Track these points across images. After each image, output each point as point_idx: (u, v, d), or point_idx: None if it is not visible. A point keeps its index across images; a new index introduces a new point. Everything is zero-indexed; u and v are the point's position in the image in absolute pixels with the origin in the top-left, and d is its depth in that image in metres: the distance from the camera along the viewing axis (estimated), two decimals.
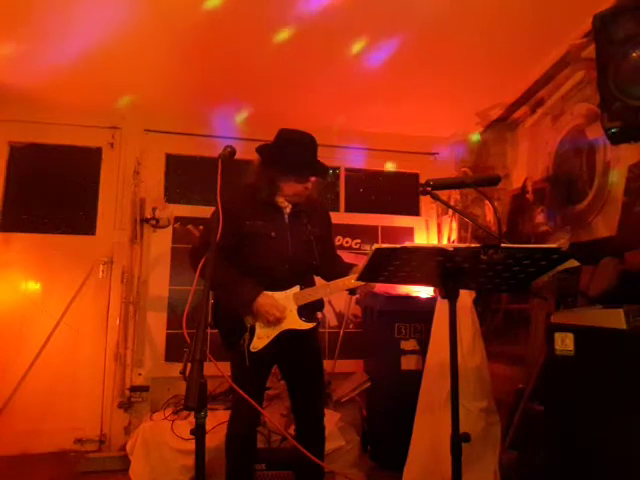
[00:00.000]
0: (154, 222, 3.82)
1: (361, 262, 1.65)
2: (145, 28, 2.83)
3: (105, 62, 3.17)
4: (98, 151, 3.96)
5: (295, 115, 3.30)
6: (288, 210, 2.26)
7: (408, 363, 3.38)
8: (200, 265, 1.68)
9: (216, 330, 2.25)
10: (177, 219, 3.94)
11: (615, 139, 2.06)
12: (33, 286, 3.73)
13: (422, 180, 1.74)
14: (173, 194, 4.09)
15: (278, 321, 2.13)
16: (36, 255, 3.72)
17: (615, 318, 1.78)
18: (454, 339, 1.60)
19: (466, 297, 2.84)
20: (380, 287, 3.40)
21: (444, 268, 1.55)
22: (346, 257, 2.52)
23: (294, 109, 3.68)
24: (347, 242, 4.21)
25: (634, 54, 1.91)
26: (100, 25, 2.79)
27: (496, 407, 2.79)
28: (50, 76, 3.36)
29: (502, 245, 1.43)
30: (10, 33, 2.89)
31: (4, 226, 3.77)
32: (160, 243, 3.89)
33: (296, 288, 2.20)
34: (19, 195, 3.88)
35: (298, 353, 2.26)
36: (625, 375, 1.73)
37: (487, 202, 3.59)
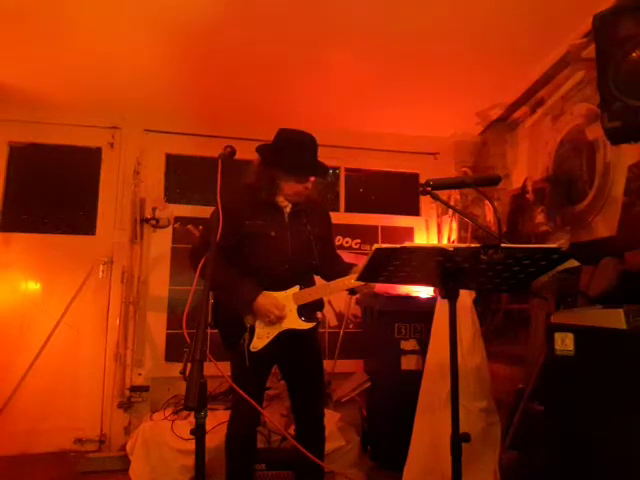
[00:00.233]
0: (154, 222, 3.82)
1: (361, 262, 1.65)
2: (145, 28, 2.83)
3: (105, 62, 3.17)
4: (98, 151, 3.96)
5: (295, 115, 3.30)
6: (288, 210, 2.26)
7: (408, 363, 3.38)
8: (200, 265, 1.68)
9: (216, 330, 2.25)
10: (177, 219, 3.94)
11: (615, 139, 2.06)
12: (33, 286, 3.73)
13: (422, 180, 1.73)
14: (173, 194, 4.09)
15: (278, 320, 2.13)
16: (36, 255, 3.72)
17: (615, 318, 1.78)
18: (454, 339, 1.60)
19: (466, 297, 2.84)
20: (380, 287, 3.40)
21: (444, 268, 1.55)
22: (346, 257, 2.52)
23: (294, 109, 3.68)
24: (347, 242, 4.21)
25: (634, 54, 1.91)
26: (100, 25, 2.79)
27: (496, 407, 2.79)
28: (50, 76, 3.37)
29: (502, 245, 1.43)
30: (10, 33, 2.89)
31: (4, 226, 3.77)
32: (160, 243, 3.89)
33: (296, 288, 2.20)
34: (19, 195, 3.88)
35: (298, 353, 2.26)
36: (625, 375, 1.73)
37: (487, 202, 3.59)
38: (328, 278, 2.32)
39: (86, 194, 3.93)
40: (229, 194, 1.90)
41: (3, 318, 3.60)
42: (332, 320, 4.08)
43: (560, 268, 1.55)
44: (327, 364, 3.01)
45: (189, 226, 3.93)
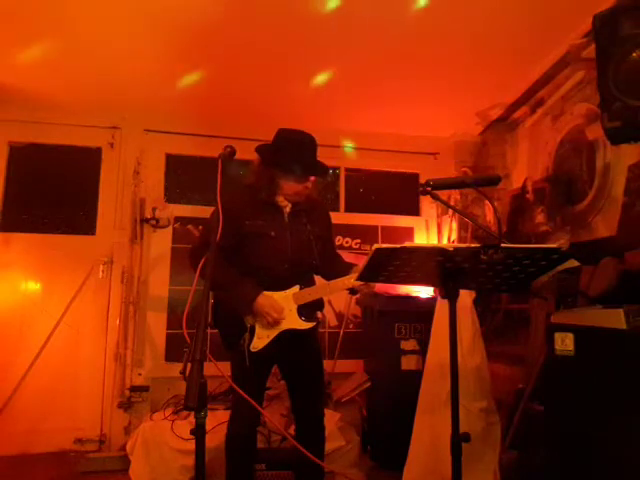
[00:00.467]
0: (154, 222, 3.82)
1: (361, 262, 1.65)
2: (145, 28, 2.83)
3: (105, 62, 3.17)
4: (98, 151, 3.96)
5: (295, 115, 3.30)
6: (288, 210, 2.26)
7: (408, 363, 3.38)
8: (200, 265, 1.68)
9: (216, 330, 2.25)
10: (177, 219, 3.94)
11: (615, 139, 2.06)
12: (33, 286, 3.73)
13: (422, 180, 1.74)
14: (173, 194, 4.09)
15: (276, 322, 2.13)
16: (36, 255, 3.72)
17: (615, 318, 1.78)
18: (454, 339, 1.60)
19: (466, 297, 2.84)
20: (380, 287, 3.40)
21: (444, 268, 1.55)
22: (346, 257, 2.52)
23: (294, 109, 3.68)
24: (347, 242, 4.21)
25: (634, 54, 1.91)
26: (100, 25, 2.79)
27: (496, 407, 2.79)
28: (50, 76, 3.37)
29: (502, 245, 1.43)
30: (10, 33, 2.89)
31: (4, 226, 3.77)
32: (160, 243, 3.89)
33: (296, 288, 2.20)
34: (19, 195, 3.88)
35: (298, 353, 2.26)
36: (625, 375, 1.73)
37: (487, 202, 3.59)
38: (328, 278, 2.32)
39: (86, 194, 3.93)
40: (229, 194, 1.90)
41: (3, 318, 3.60)
42: (332, 320, 4.08)
43: (560, 268, 1.55)
44: (327, 364, 3.01)
45: (189, 226, 3.93)
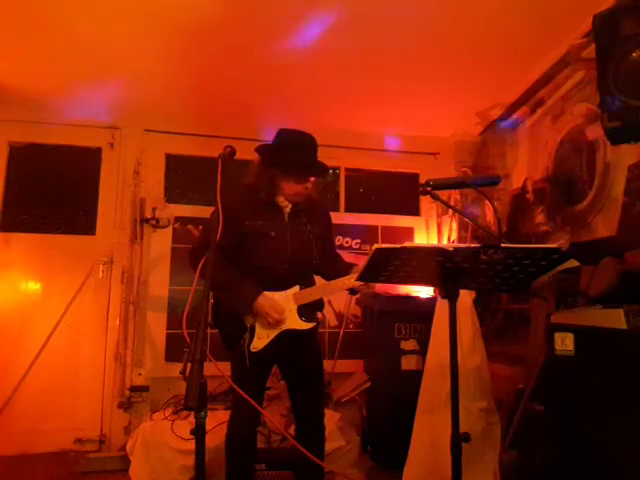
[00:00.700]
0: (154, 222, 3.82)
1: (361, 262, 1.65)
2: (145, 28, 2.83)
3: (105, 62, 3.17)
4: (98, 151, 3.96)
5: (295, 115, 3.30)
6: (288, 210, 2.26)
7: (408, 363, 3.38)
8: (200, 265, 1.67)
9: (216, 330, 2.25)
10: (177, 219, 3.95)
11: (615, 139, 2.06)
12: (33, 286, 3.73)
13: (422, 180, 1.74)
14: (173, 194, 4.09)
15: (277, 323, 2.13)
16: (36, 255, 3.72)
17: (615, 318, 1.78)
18: (454, 339, 1.60)
19: (466, 297, 2.84)
20: (380, 287, 3.40)
21: (444, 268, 1.55)
22: (346, 257, 2.52)
23: (294, 109, 3.68)
24: (347, 242, 4.21)
25: (634, 54, 1.91)
26: (100, 25, 2.79)
27: (496, 407, 2.79)
28: (50, 76, 3.37)
29: (502, 245, 1.43)
30: (10, 33, 2.89)
31: (4, 226, 3.77)
32: (160, 243, 3.89)
33: (296, 288, 2.20)
34: (19, 195, 3.88)
35: (298, 353, 2.26)
36: (625, 375, 1.73)
37: (487, 202, 3.59)
38: (328, 278, 2.32)
39: (86, 194, 3.93)
40: (229, 194, 1.90)
41: (3, 318, 3.60)
42: (332, 320, 4.08)
43: (560, 268, 1.55)
44: (327, 364, 3.00)
45: (189, 226, 3.93)
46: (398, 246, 1.43)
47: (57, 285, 3.73)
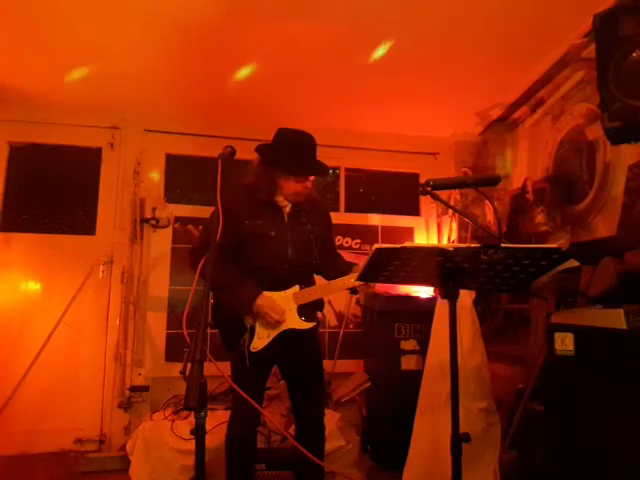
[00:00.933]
0: (154, 222, 3.82)
1: (361, 262, 1.65)
2: (145, 28, 2.83)
3: (105, 62, 3.17)
4: (98, 151, 3.96)
5: (295, 115, 3.30)
6: (288, 209, 2.26)
7: (408, 363, 3.38)
8: (200, 265, 1.67)
9: (216, 330, 2.25)
10: (177, 219, 3.94)
11: (615, 139, 2.06)
12: (33, 286, 3.73)
13: (422, 180, 1.74)
14: (173, 194, 4.09)
15: (277, 324, 2.13)
16: (36, 255, 3.72)
17: (615, 318, 1.78)
18: (454, 339, 1.60)
19: (466, 297, 2.84)
20: (380, 287, 3.41)
21: (444, 268, 1.55)
22: (346, 257, 2.52)
23: (294, 109, 3.68)
24: (347, 242, 4.21)
25: (634, 54, 1.91)
26: (100, 25, 2.79)
27: (496, 407, 2.79)
28: (50, 76, 3.37)
29: (502, 245, 1.43)
30: (10, 33, 2.89)
31: (4, 226, 3.77)
32: (160, 243, 3.89)
33: (296, 288, 2.20)
34: (19, 195, 3.88)
35: (298, 353, 2.26)
36: (625, 375, 1.73)
37: (487, 202, 3.59)
38: (329, 277, 2.32)
39: (86, 194, 3.93)
40: (229, 194, 1.90)
41: (3, 318, 3.60)
42: (332, 320, 4.08)
43: (560, 268, 1.55)
44: (327, 364, 3.00)
45: (189, 226, 3.93)
46: (398, 246, 1.43)
47: (57, 285, 3.73)
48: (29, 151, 3.90)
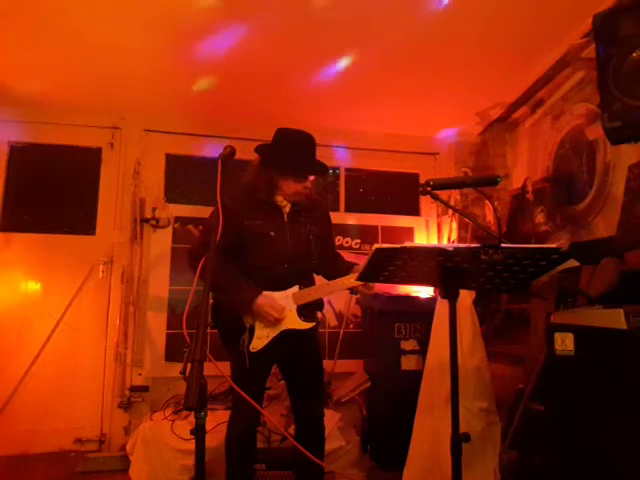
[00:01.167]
0: (154, 222, 3.82)
1: (361, 262, 1.65)
2: (145, 28, 2.82)
3: (105, 62, 3.17)
4: (98, 151, 3.96)
5: (295, 115, 3.30)
6: (287, 209, 2.26)
7: (408, 363, 3.38)
8: (200, 266, 1.67)
9: (216, 330, 2.25)
10: (177, 219, 3.94)
11: (615, 139, 2.06)
12: (33, 286, 3.73)
13: (422, 180, 1.74)
14: (173, 194, 4.09)
15: (277, 322, 2.13)
16: (36, 255, 3.72)
17: (615, 318, 1.78)
18: (454, 339, 1.60)
19: (466, 297, 2.84)
20: (380, 287, 3.40)
21: (444, 268, 1.55)
22: (346, 257, 2.52)
23: (294, 109, 3.68)
24: (347, 242, 4.21)
25: (634, 54, 1.91)
26: (100, 25, 2.79)
27: (496, 407, 2.79)
28: (50, 76, 3.37)
29: (502, 245, 1.43)
30: (10, 33, 2.89)
31: (4, 226, 3.77)
32: (160, 243, 3.89)
33: (295, 288, 2.20)
34: (19, 195, 3.87)
35: (298, 353, 2.26)
36: (625, 375, 1.73)
37: (487, 202, 3.59)
38: (329, 278, 2.32)
39: (86, 194, 3.93)
40: (229, 194, 1.90)
41: (3, 318, 3.60)
42: (332, 320, 4.08)
43: (560, 268, 1.55)
44: (327, 364, 3.01)
45: (189, 226, 3.93)
46: (398, 246, 1.43)
47: (57, 285, 3.73)
48: (29, 151, 3.90)
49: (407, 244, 1.48)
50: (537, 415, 2.42)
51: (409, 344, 3.40)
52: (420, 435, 2.76)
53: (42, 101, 3.67)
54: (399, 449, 2.80)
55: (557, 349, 2.00)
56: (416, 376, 2.96)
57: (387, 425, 3.24)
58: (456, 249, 1.46)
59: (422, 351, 3.22)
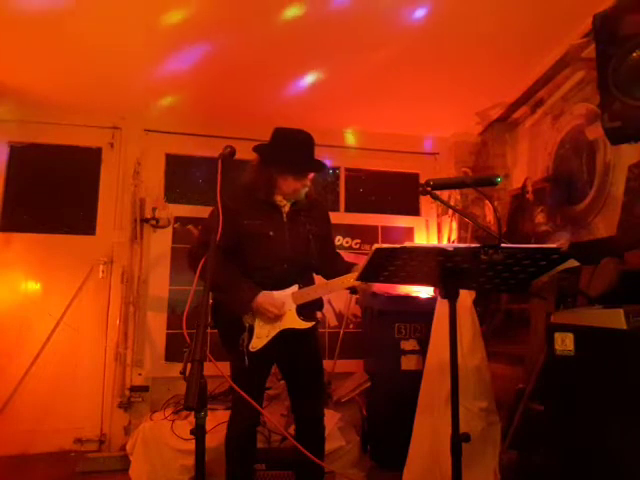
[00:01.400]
0: (154, 222, 3.82)
1: (361, 262, 1.65)
2: (145, 28, 2.83)
3: (105, 62, 3.17)
4: (98, 151, 3.96)
5: (295, 115, 3.30)
6: (286, 209, 2.26)
7: (408, 363, 3.38)
8: (200, 266, 1.67)
9: (216, 330, 2.25)
10: (177, 219, 3.95)
11: (615, 139, 2.06)
12: (33, 286, 3.73)
13: (422, 180, 1.74)
14: (173, 194, 4.09)
15: (277, 318, 2.13)
16: (36, 255, 3.72)
17: (615, 318, 1.78)
18: (454, 339, 1.60)
19: (466, 297, 2.84)
20: (380, 287, 3.40)
21: (444, 268, 1.55)
22: (346, 257, 2.52)
23: (294, 109, 3.68)
24: (347, 242, 4.21)
25: (634, 54, 1.91)
26: (100, 25, 2.79)
27: (496, 407, 2.79)
28: (50, 76, 3.37)
29: (502, 245, 1.43)
30: (10, 33, 2.89)
31: (4, 226, 3.77)
32: (160, 243, 3.89)
33: (294, 287, 2.20)
34: (19, 195, 3.88)
35: (297, 353, 2.26)
36: (625, 375, 1.73)
37: (487, 202, 3.59)
38: (328, 277, 2.32)
39: (86, 194, 3.93)
40: (228, 194, 1.90)
41: (3, 318, 3.60)
42: (332, 320, 4.08)
43: (560, 268, 1.55)
44: (327, 364, 3.00)
45: (189, 226, 3.93)
46: (398, 246, 1.43)
47: (57, 285, 3.73)
48: (29, 151, 3.90)
49: (407, 244, 1.48)
50: (537, 415, 2.42)
51: (409, 344, 3.40)
52: (420, 435, 2.76)
53: (42, 101, 3.67)
54: (399, 449, 2.80)
55: (557, 349, 2.00)
56: (416, 376, 2.96)
57: (387, 425, 3.24)
58: (456, 249, 1.46)
59: (422, 351, 3.22)
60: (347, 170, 4.38)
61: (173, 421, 3.00)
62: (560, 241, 3.01)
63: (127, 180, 3.90)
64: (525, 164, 3.69)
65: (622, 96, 1.92)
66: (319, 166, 2.26)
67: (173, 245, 3.92)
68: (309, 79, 3.39)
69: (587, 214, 2.92)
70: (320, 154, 2.24)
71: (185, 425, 2.92)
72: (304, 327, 2.20)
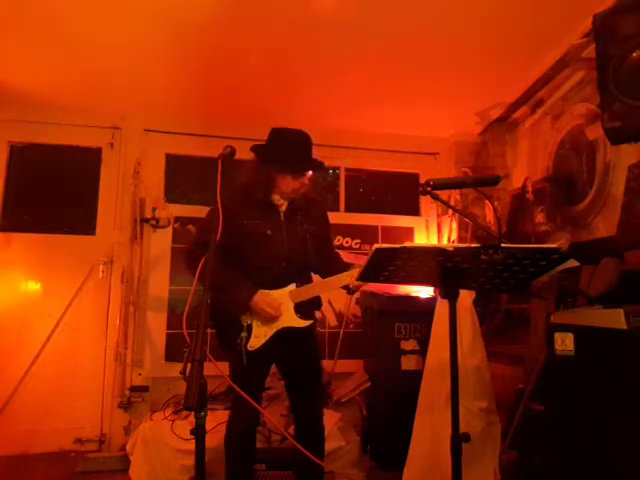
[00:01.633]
0: (154, 222, 3.82)
1: (361, 261, 1.65)
2: (146, 28, 2.83)
3: (105, 62, 3.17)
4: (98, 151, 3.96)
5: (295, 115, 3.30)
6: (284, 208, 2.26)
7: (408, 363, 3.38)
8: (200, 266, 1.67)
9: (214, 330, 2.25)
10: (177, 219, 3.94)
11: (615, 139, 2.07)
12: (33, 286, 3.73)
13: (422, 180, 1.74)
14: (173, 194, 4.09)
15: (273, 319, 2.13)
16: (36, 255, 3.72)
17: (615, 318, 1.78)
18: (454, 339, 1.60)
19: (466, 297, 2.84)
20: (380, 287, 3.41)
21: (444, 268, 1.55)
22: (346, 257, 2.52)
23: (294, 109, 3.68)
24: (347, 242, 4.21)
25: (634, 54, 1.91)
26: (101, 25, 2.79)
27: (496, 407, 2.79)
28: (50, 76, 3.37)
29: (502, 245, 1.43)
30: (11, 33, 2.89)
31: (4, 226, 3.77)
32: (160, 243, 3.89)
33: (292, 286, 2.20)
34: (19, 195, 3.88)
35: (296, 352, 2.26)
36: (625, 375, 1.73)
37: (487, 202, 3.59)
38: (326, 277, 2.31)
39: (86, 194, 3.93)
40: (226, 194, 1.90)
41: (3, 318, 3.60)
42: (332, 320, 4.08)
43: (560, 268, 1.55)
44: (327, 364, 3.01)
45: (189, 226, 3.93)
46: (398, 246, 1.43)
47: (57, 285, 3.73)
48: (29, 151, 3.90)
49: (407, 244, 1.47)
50: (537, 415, 2.42)
51: (409, 344, 3.40)
52: (420, 435, 2.76)
53: (42, 101, 3.67)
54: (399, 449, 2.80)
55: (557, 349, 2.00)
56: (416, 376, 2.96)
57: (387, 425, 3.24)
58: (456, 249, 1.46)
59: (422, 351, 3.22)
60: (347, 170, 4.38)
61: (173, 421, 3.00)
62: (560, 241, 3.01)
63: (127, 180, 3.89)
64: (525, 164, 3.69)
65: (622, 96, 1.92)
66: (317, 165, 2.27)
67: (173, 245, 3.92)
68: (309, 80, 3.38)
69: (587, 214, 2.92)
70: (320, 154, 2.24)
71: (185, 425, 2.92)
72: (302, 325, 2.20)
